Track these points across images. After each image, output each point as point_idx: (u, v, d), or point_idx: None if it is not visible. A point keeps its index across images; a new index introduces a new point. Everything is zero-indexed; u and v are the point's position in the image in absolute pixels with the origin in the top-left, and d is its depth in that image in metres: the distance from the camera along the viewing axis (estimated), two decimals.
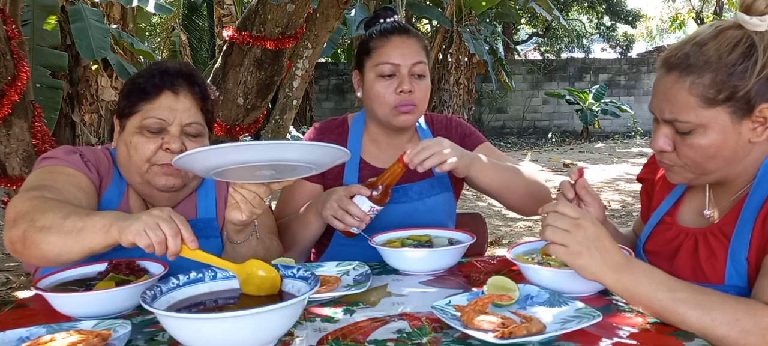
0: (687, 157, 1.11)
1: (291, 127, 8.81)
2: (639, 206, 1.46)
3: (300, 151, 1.04)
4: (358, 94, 1.68)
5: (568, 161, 10.00)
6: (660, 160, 1.18)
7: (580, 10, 22.35)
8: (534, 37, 22.56)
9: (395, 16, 1.70)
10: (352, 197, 1.42)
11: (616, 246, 1.05)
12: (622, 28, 24.15)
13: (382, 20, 1.68)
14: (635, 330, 1.00)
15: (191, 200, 1.47)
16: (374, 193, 1.41)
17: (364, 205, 1.41)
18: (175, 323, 0.90)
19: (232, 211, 1.21)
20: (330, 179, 1.67)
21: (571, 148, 12.58)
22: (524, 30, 22.73)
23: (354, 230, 1.44)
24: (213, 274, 1.07)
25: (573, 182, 1.28)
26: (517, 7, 13.19)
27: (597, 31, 24.47)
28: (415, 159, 1.38)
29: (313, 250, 1.77)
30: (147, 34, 10.41)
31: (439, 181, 1.70)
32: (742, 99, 1.04)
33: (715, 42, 1.06)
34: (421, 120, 1.77)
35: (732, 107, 1.05)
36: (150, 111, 1.34)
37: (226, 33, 2.91)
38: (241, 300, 1.02)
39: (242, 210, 1.20)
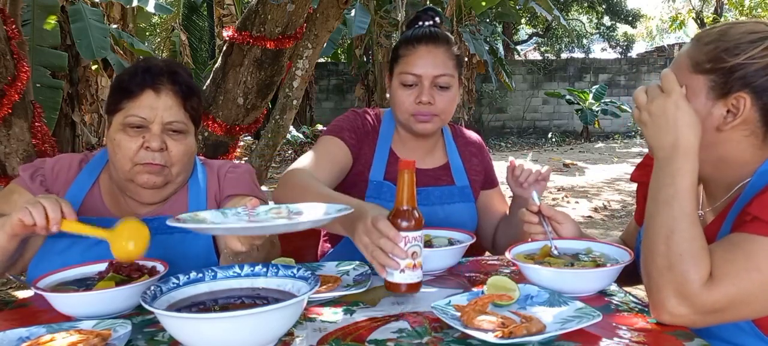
0: None
1: (291, 128, 8.82)
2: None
3: (311, 224, 1.06)
4: (387, 95, 1.70)
5: (568, 161, 10.00)
6: None
7: (580, 10, 22.35)
8: (534, 37, 22.57)
9: (436, 19, 1.68)
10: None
11: (685, 137, 1.02)
12: (622, 28, 24.17)
13: (420, 23, 1.67)
14: (635, 330, 1.00)
15: (182, 194, 1.48)
16: (405, 223, 1.14)
17: (401, 243, 1.13)
18: (175, 323, 0.90)
19: (232, 240, 1.14)
20: (360, 164, 1.66)
21: (571, 149, 12.58)
22: (524, 30, 22.73)
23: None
24: (213, 274, 1.07)
25: (535, 209, 1.36)
26: (517, 7, 13.19)
27: (597, 31, 24.48)
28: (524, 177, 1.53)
29: (327, 242, 1.78)
30: (147, 34, 10.40)
31: (460, 191, 1.72)
32: (723, 75, 1.05)
33: (748, 25, 1.08)
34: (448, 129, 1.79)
35: (712, 82, 1.06)
36: (131, 109, 1.36)
37: (226, 33, 2.92)
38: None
39: (242, 242, 1.13)
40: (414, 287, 1.15)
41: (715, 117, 1.07)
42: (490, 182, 1.84)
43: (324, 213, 1.10)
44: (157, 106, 1.36)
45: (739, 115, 1.05)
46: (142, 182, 1.37)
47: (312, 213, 1.12)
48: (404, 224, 1.13)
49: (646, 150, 1.24)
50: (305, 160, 1.57)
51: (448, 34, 1.67)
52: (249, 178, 1.54)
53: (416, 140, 1.71)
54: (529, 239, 1.38)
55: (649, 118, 1.07)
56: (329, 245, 1.77)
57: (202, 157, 1.59)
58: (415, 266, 1.14)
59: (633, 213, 1.55)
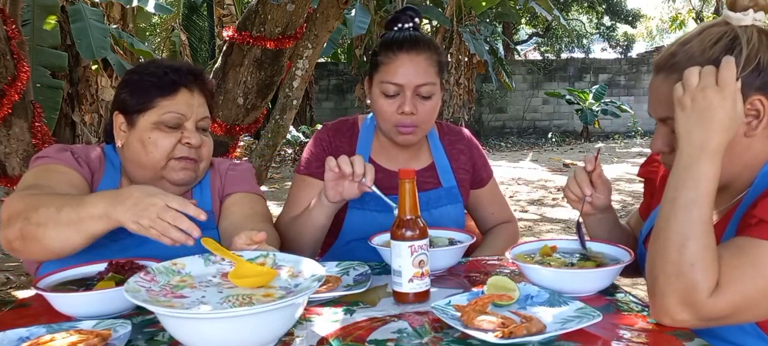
0: None
1: (291, 127, 8.82)
2: (638, 205, 1.46)
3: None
4: (368, 101, 1.66)
5: (568, 161, 10.00)
6: (664, 163, 1.19)
7: (580, 10, 22.34)
8: (534, 37, 22.55)
9: (415, 21, 1.61)
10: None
11: (717, 139, 0.98)
12: (622, 28, 24.15)
13: (399, 26, 1.60)
14: (635, 330, 1.00)
15: (187, 194, 1.50)
16: (409, 233, 1.15)
17: (408, 252, 1.14)
18: (175, 323, 0.89)
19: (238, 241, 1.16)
20: None
21: (571, 148, 12.58)
22: (524, 30, 22.71)
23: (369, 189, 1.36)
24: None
25: (590, 169, 1.32)
26: (517, 7, 13.19)
27: (597, 31, 24.47)
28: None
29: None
30: (147, 34, 10.40)
31: (448, 192, 1.69)
32: None
33: (698, 38, 1.08)
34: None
35: None
36: (168, 107, 1.39)
37: (226, 33, 2.92)
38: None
39: (247, 243, 1.15)
40: (422, 296, 1.15)
41: (739, 129, 1.05)
42: (479, 180, 1.79)
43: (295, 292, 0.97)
44: (193, 104, 1.41)
45: (763, 115, 1.04)
46: (178, 179, 1.40)
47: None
48: (409, 233, 1.14)
49: (646, 150, 1.24)
50: (288, 210, 1.64)
51: (429, 37, 1.62)
52: (250, 176, 1.58)
53: (398, 147, 1.67)
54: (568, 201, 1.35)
55: (691, 105, 1.00)
56: (320, 251, 1.76)
57: None
58: (422, 274, 1.15)
59: (633, 212, 1.55)
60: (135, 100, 1.40)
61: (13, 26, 2.46)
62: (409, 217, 1.15)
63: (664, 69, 1.11)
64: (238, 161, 1.64)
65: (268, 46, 2.80)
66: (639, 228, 1.43)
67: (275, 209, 5.99)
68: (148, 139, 1.38)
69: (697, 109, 0.99)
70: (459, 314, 1.02)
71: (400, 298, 1.16)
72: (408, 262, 1.13)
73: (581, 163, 1.35)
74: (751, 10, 1.05)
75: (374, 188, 1.36)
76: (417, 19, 1.62)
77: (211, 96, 1.49)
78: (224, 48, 2.97)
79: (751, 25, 1.05)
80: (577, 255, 1.29)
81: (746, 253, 0.97)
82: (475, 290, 1.17)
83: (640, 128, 14.46)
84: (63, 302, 1.10)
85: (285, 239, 1.56)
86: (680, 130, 1.02)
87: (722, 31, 1.06)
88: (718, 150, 0.99)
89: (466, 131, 1.84)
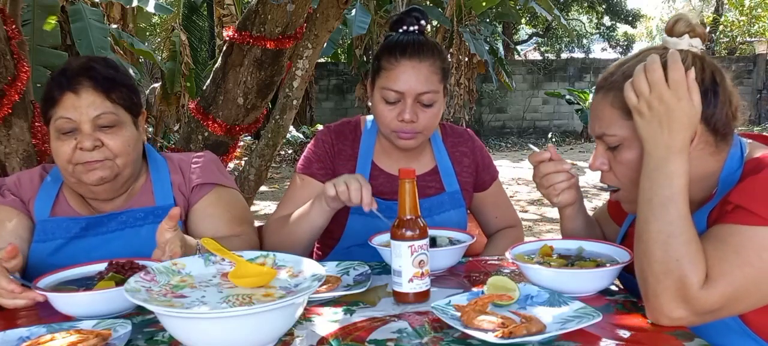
0: (623, 176, 1.15)
1: (291, 127, 8.82)
2: None
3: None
4: (369, 103, 1.64)
5: (568, 161, 9.99)
6: (603, 182, 1.22)
7: (580, 10, 22.32)
8: (534, 37, 22.54)
9: (421, 23, 1.57)
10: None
11: (681, 137, 1.00)
12: (622, 28, 24.13)
13: (404, 28, 1.57)
14: (635, 330, 1.00)
15: (147, 187, 1.48)
16: (409, 233, 1.15)
17: (407, 252, 1.14)
18: (174, 323, 0.90)
19: (157, 250, 1.20)
20: None
21: (571, 148, 12.58)
22: (524, 30, 22.70)
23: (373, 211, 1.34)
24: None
25: (546, 157, 1.37)
26: (517, 7, 13.18)
27: (597, 31, 24.45)
28: None
29: (318, 251, 1.77)
30: (147, 34, 10.38)
31: (451, 197, 1.67)
32: None
33: (636, 59, 1.11)
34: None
35: None
36: (58, 113, 1.35)
37: (226, 33, 2.91)
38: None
39: (165, 253, 1.17)
40: (422, 296, 1.16)
41: None
42: (482, 182, 1.76)
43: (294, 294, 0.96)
44: (80, 106, 1.34)
45: (696, 136, 1.05)
46: (91, 180, 1.36)
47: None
48: (409, 233, 1.14)
49: None
50: (284, 207, 1.62)
51: (434, 42, 1.57)
52: (213, 166, 1.54)
53: (400, 150, 1.64)
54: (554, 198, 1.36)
55: (649, 112, 1.02)
56: (321, 253, 1.76)
57: (166, 152, 1.58)
58: (422, 274, 1.15)
59: (600, 208, 1.57)
60: (41, 112, 1.40)
61: (13, 26, 2.46)
62: (409, 217, 1.16)
63: (602, 88, 1.15)
64: (200, 153, 1.58)
65: (268, 46, 2.79)
66: (606, 221, 1.47)
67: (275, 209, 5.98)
68: (53, 149, 1.37)
69: (656, 114, 1.02)
70: (459, 314, 1.02)
71: (400, 298, 1.16)
72: (408, 262, 1.14)
73: (581, 164, 1.37)
74: (686, 36, 1.08)
75: (375, 211, 1.35)
76: (423, 22, 1.57)
77: (108, 90, 1.37)
78: (224, 48, 2.97)
79: (687, 50, 1.08)
80: (575, 250, 1.29)
81: (728, 242, 0.99)
82: (475, 290, 1.17)
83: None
84: (63, 302, 1.10)
85: (275, 236, 1.55)
86: (643, 135, 1.04)
87: (660, 54, 1.07)
88: (683, 147, 1.01)
89: (471, 132, 1.81)
